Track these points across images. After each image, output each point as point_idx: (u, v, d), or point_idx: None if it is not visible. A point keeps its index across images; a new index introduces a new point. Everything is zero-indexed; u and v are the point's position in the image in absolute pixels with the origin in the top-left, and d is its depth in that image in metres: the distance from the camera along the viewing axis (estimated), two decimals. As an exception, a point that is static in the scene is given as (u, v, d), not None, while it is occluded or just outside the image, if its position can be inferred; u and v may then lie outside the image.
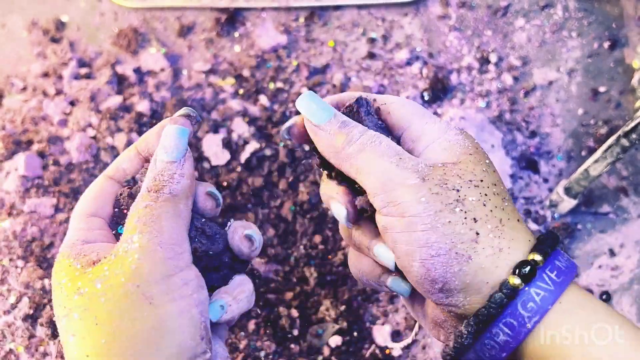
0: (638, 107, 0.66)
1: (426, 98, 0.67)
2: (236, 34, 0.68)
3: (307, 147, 0.63)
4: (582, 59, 0.70)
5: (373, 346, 0.59)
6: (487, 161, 0.35)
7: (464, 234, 0.33)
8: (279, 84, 0.67)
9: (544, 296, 0.32)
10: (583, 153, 0.67)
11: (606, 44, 0.70)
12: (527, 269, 0.32)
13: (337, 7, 0.70)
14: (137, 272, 0.31)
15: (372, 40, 0.69)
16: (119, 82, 0.65)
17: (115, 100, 0.62)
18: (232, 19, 0.68)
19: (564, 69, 0.69)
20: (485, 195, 0.34)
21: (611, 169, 0.66)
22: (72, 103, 0.63)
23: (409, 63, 0.68)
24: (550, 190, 0.66)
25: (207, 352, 0.32)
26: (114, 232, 0.34)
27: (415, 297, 0.37)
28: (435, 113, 0.67)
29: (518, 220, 0.34)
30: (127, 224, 0.32)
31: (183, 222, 0.33)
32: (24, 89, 0.65)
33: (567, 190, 0.63)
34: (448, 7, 0.70)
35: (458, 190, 0.33)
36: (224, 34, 0.68)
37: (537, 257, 0.32)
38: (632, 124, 0.59)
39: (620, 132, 0.60)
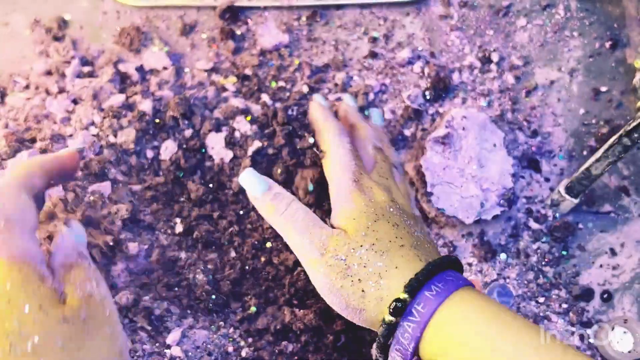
0: (639, 107, 0.66)
1: (428, 97, 0.67)
2: (238, 32, 0.69)
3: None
4: (583, 59, 0.70)
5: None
6: (370, 222, 0.44)
7: (354, 294, 0.42)
8: (281, 83, 0.67)
9: (414, 327, 0.40)
10: (584, 152, 0.67)
11: (608, 44, 0.70)
12: (399, 305, 0.41)
13: (339, 7, 0.70)
14: (111, 318, 0.39)
15: (374, 40, 0.69)
16: (122, 81, 0.65)
17: (117, 99, 0.62)
18: (234, 18, 0.69)
19: (566, 69, 0.69)
20: (365, 257, 0.43)
21: (612, 169, 0.67)
22: (75, 101, 0.63)
23: (410, 62, 0.68)
24: (552, 189, 0.66)
25: None
26: None
27: None
28: (437, 112, 0.67)
29: (402, 256, 0.43)
30: (73, 282, 0.39)
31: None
32: (27, 87, 0.65)
33: (569, 190, 0.63)
34: (450, 6, 0.70)
35: (344, 260, 0.43)
36: (226, 33, 0.68)
37: (404, 296, 0.41)
38: (634, 124, 0.59)
39: (621, 132, 0.60)
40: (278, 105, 0.64)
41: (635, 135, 0.59)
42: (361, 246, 0.43)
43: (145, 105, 0.61)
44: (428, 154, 0.61)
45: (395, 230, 0.44)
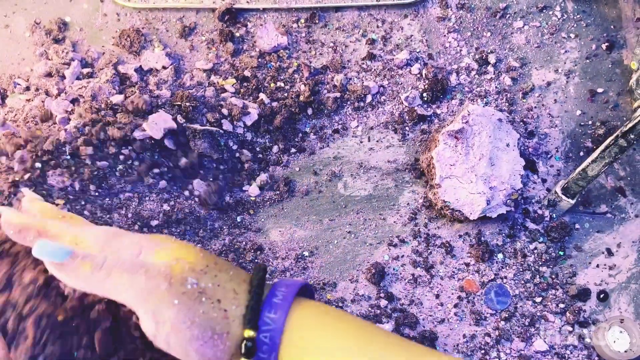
0: (635, 108, 0.67)
1: (426, 99, 0.68)
2: (237, 34, 0.69)
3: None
4: (580, 60, 0.70)
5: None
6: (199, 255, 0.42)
7: (217, 316, 0.39)
8: (280, 84, 0.67)
9: (271, 336, 0.39)
10: (581, 153, 0.68)
11: (604, 46, 0.70)
12: (250, 345, 0.39)
13: (338, 9, 0.70)
14: None
15: (372, 42, 0.70)
16: (121, 82, 0.66)
17: (116, 99, 0.63)
18: (233, 20, 0.69)
19: (562, 70, 0.70)
20: (215, 276, 0.40)
21: (609, 170, 0.67)
22: (74, 102, 0.63)
23: (408, 64, 0.69)
24: (549, 190, 0.66)
25: None
26: None
27: None
28: (435, 114, 0.68)
29: (243, 280, 0.41)
30: None
31: None
32: (27, 88, 0.66)
33: (565, 190, 0.64)
34: (447, 8, 0.71)
35: (197, 284, 0.39)
36: (226, 35, 0.68)
37: (251, 333, 0.39)
38: (630, 125, 0.59)
39: (618, 133, 0.60)
40: (275, 104, 0.65)
41: (632, 136, 0.59)
42: (207, 266, 0.41)
43: (145, 105, 0.62)
44: (441, 146, 0.62)
45: (222, 267, 0.44)
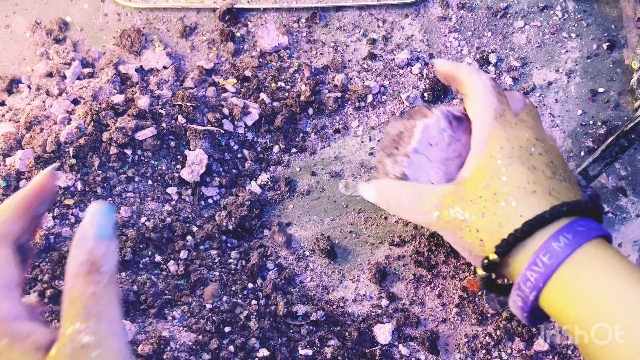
0: (637, 108, 0.67)
1: (427, 98, 0.68)
2: (238, 34, 0.69)
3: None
4: (581, 60, 0.70)
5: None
6: (496, 171, 0.43)
7: (473, 243, 0.44)
8: (281, 84, 0.67)
9: (536, 277, 0.40)
10: (582, 153, 0.68)
11: (605, 45, 0.70)
12: (503, 245, 0.41)
13: (338, 9, 0.70)
14: None
15: (373, 41, 0.70)
16: (122, 82, 0.66)
17: (117, 99, 0.63)
18: (234, 20, 0.69)
19: (563, 70, 0.70)
20: (481, 207, 0.44)
21: (610, 169, 0.67)
22: (75, 102, 0.63)
23: (409, 64, 0.69)
24: (550, 189, 0.66)
25: None
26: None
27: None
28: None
29: (530, 204, 0.41)
30: (71, 312, 0.30)
31: (120, 308, 0.32)
32: (28, 88, 0.66)
33: (567, 190, 0.64)
34: (448, 8, 0.71)
35: (462, 212, 0.44)
36: (226, 35, 0.68)
37: (494, 257, 0.42)
38: (631, 125, 0.60)
39: (619, 132, 0.60)
40: (276, 104, 0.65)
41: (633, 136, 0.59)
42: (480, 197, 0.42)
43: (144, 104, 0.62)
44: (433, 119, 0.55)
45: (529, 175, 0.42)
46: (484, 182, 0.43)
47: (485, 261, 0.42)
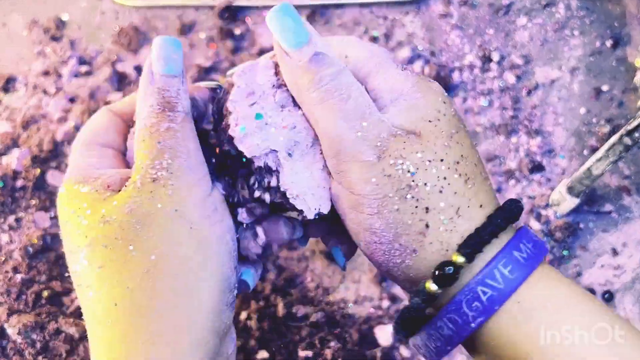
0: (640, 106, 0.66)
1: (428, 97, 0.67)
2: (237, 32, 0.68)
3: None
4: (584, 58, 0.69)
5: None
6: (453, 130, 0.30)
7: (412, 225, 0.29)
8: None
9: (493, 296, 0.28)
10: (585, 152, 0.67)
11: (608, 43, 0.69)
12: (449, 271, 0.29)
13: (339, 6, 0.70)
14: (175, 197, 0.27)
15: (373, 39, 0.69)
16: (120, 80, 0.65)
17: (115, 97, 0.62)
18: (233, 17, 0.68)
19: (566, 68, 0.69)
20: (444, 179, 0.29)
21: (613, 168, 0.66)
22: (72, 100, 0.63)
23: (410, 61, 0.68)
24: (553, 189, 0.66)
25: (235, 288, 0.29)
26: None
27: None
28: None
29: (481, 206, 0.30)
30: (142, 149, 0.28)
31: (198, 142, 0.30)
32: (25, 87, 0.65)
33: (570, 189, 0.63)
34: (450, 5, 0.70)
35: (413, 174, 0.29)
36: (225, 33, 0.68)
37: (460, 259, 0.29)
38: (635, 123, 0.59)
39: (622, 131, 0.59)
40: None
41: (637, 134, 0.59)
42: (441, 160, 0.29)
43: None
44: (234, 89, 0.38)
45: (475, 153, 0.31)
46: (443, 141, 0.30)
47: (447, 269, 0.29)
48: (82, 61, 0.66)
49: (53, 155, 0.59)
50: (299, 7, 0.69)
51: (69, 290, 0.57)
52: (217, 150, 0.31)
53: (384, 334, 0.59)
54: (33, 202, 0.60)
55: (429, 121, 0.30)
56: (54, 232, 0.58)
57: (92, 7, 0.69)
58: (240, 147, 0.30)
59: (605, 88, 0.69)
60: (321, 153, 0.31)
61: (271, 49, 0.67)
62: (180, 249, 0.27)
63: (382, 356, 0.57)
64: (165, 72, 0.29)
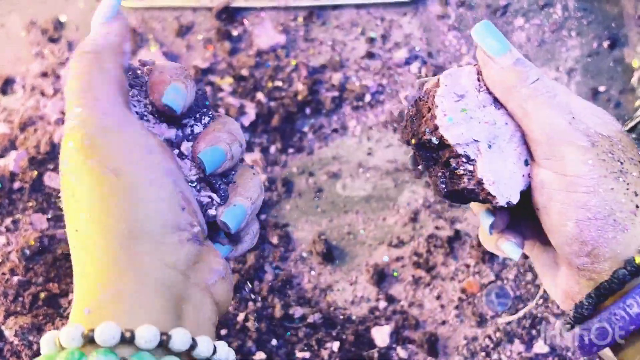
0: (637, 107, 0.66)
1: (425, 98, 0.67)
2: (235, 33, 0.68)
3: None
4: (581, 59, 0.69)
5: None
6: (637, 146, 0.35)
7: (625, 204, 0.32)
8: (278, 83, 0.67)
9: None
10: (583, 153, 0.67)
11: (606, 44, 0.69)
12: (632, 271, 0.31)
13: (336, 7, 0.70)
14: (92, 148, 0.29)
15: (371, 40, 0.69)
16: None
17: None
18: (230, 19, 0.68)
19: (564, 69, 0.69)
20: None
21: (611, 169, 0.66)
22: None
23: (408, 62, 0.68)
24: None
25: (195, 225, 0.30)
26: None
27: (547, 267, 0.38)
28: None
29: None
30: (66, 96, 0.30)
31: (113, 80, 0.31)
32: (23, 88, 0.65)
33: (567, 190, 0.63)
34: (447, 6, 0.70)
35: (622, 163, 0.33)
36: (223, 34, 0.68)
37: None
38: (632, 123, 0.59)
39: (619, 132, 0.59)
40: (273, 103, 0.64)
41: (633, 135, 0.59)
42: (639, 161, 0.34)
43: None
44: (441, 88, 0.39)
45: None
46: (636, 149, 0.35)
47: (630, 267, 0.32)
48: (79, 62, 0.66)
49: (50, 157, 0.59)
50: (296, 8, 0.69)
51: (66, 292, 0.57)
52: (413, 140, 0.36)
53: (381, 335, 0.59)
54: (30, 204, 0.60)
55: (621, 132, 0.35)
56: (51, 234, 0.58)
57: (90, 8, 0.69)
58: (446, 135, 0.33)
59: (602, 89, 0.68)
60: (516, 149, 0.34)
61: (268, 50, 0.68)
62: (108, 200, 0.28)
63: (379, 357, 0.58)
64: (97, 22, 0.32)
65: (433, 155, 0.35)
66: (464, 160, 0.34)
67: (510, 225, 0.38)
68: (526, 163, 0.35)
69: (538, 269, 0.38)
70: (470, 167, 0.34)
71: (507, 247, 0.37)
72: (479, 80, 0.36)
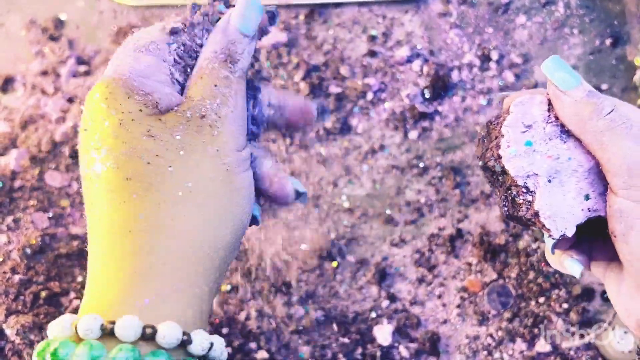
0: (640, 105, 0.66)
1: (427, 96, 0.67)
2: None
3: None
4: (583, 56, 0.69)
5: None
6: None
7: None
8: (279, 81, 0.67)
9: None
10: (585, 151, 0.67)
11: (608, 41, 0.69)
12: None
13: (338, 5, 0.69)
14: (218, 139, 0.30)
15: (372, 38, 0.69)
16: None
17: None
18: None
19: (566, 67, 0.69)
20: None
21: (613, 167, 0.66)
22: (71, 100, 0.63)
23: (409, 60, 0.68)
24: (552, 188, 0.66)
25: (246, 228, 0.32)
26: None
27: (621, 295, 0.37)
28: (436, 111, 0.67)
29: None
30: (200, 84, 0.31)
31: (245, 101, 0.32)
32: (23, 87, 0.65)
33: (569, 188, 0.63)
34: (449, 4, 0.70)
35: None
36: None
37: None
38: (634, 122, 0.59)
39: (622, 130, 0.59)
40: None
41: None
42: None
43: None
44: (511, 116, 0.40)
45: None
46: None
47: None
48: (80, 61, 0.66)
49: (51, 156, 0.59)
50: (297, 6, 0.69)
51: (67, 291, 0.57)
52: (480, 162, 0.37)
53: (383, 333, 0.59)
54: (31, 202, 0.60)
55: None
56: (52, 232, 0.58)
57: (90, 6, 0.69)
58: (507, 166, 0.34)
59: (604, 87, 0.68)
60: (577, 183, 0.35)
61: (270, 48, 0.67)
62: (213, 186, 0.29)
63: (382, 355, 0.57)
64: (239, 28, 0.32)
65: (498, 179, 0.36)
66: (524, 190, 0.35)
67: (576, 244, 0.38)
68: (586, 198, 0.35)
69: (611, 295, 0.38)
70: (529, 198, 0.35)
71: (569, 264, 0.38)
72: (549, 111, 0.35)
